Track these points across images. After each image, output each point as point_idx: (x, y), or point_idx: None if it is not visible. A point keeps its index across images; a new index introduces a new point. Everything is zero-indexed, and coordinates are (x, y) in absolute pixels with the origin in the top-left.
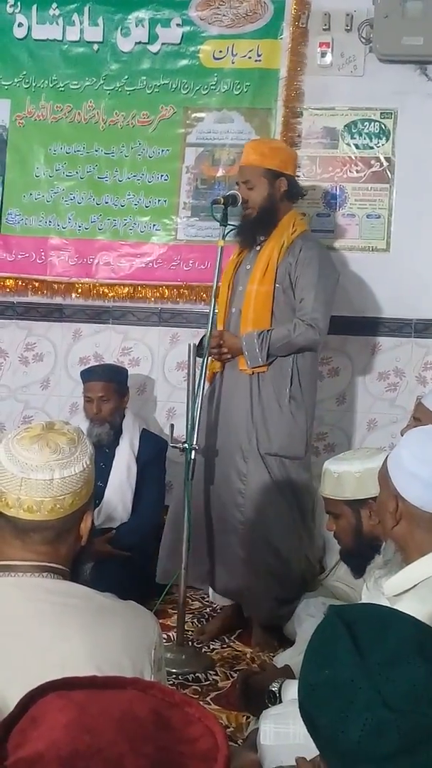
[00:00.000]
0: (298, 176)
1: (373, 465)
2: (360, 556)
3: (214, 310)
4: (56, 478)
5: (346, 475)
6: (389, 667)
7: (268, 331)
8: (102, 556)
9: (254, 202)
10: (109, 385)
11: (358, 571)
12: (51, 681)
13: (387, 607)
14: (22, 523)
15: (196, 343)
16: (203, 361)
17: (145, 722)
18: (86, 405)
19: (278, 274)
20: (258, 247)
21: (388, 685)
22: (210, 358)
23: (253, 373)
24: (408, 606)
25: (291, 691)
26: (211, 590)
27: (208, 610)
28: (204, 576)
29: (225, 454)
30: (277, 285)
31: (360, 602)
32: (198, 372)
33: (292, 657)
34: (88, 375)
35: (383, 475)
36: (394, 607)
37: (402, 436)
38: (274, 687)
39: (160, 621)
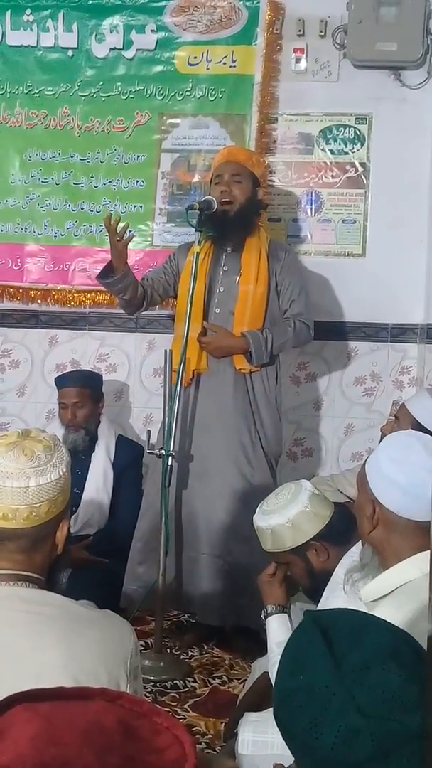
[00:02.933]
0: (272, 182)
1: (299, 508)
2: (319, 590)
3: (189, 312)
4: (32, 485)
5: (278, 528)
6: (364, 673)
7: (267, 330)
8: (79, 563)
9: (236, 197)
10: (83, 391)
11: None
12: (18, 693)
13: (363, 612)
14: None
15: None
16: (180, 367)
17: (112, 733)
18: (61, 411)
19: (267, 276)
20: (229, 249)
21: (363, 691)
22: (184, 361)
23: (250, 372)
24: (385, 612)
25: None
26: None
27: (186, 616)
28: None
29: (220, 457)
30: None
31: (336, 608)
32: (175, 377)
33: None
34: (62, 381)
35: (361, 479)
36: (372, 612)
37: (382, 433)
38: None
39: (138, 628)
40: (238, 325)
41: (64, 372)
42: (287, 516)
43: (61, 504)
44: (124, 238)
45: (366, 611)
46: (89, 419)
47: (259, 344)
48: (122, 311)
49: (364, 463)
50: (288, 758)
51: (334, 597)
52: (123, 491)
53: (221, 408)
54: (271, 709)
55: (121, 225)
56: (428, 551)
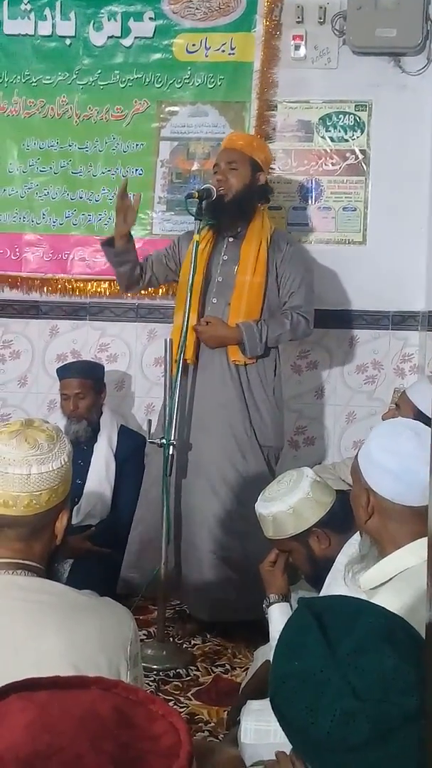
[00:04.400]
0: (273, 170)
1: (300, 495)
2: (322, 578)
3: (189, 302)
4: (33, 473)
5: (280, 515)
6: (358, 657)
7: (263, 321)
8: (82, 553)
9: (231, 184)
10: (85, 382)
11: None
12: (14, 682)
13: (356, 598)
14: None
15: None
16: (179, 355)
17: (107, 720)
18: (63, 402)
19: (266, 266)
20: (231, 238)
21: (358, 674)
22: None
23: (245, 364)
24: (384, 599)
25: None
26: None
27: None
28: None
29: (214, 448)
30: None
31: (330, 594)
32: (175, 364)
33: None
34: (63, 372)
35: (354, 470)
36: (371, 600)
37: (383, 420)
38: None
39: (141, 617)
40: (234, 316)
41: (66, 362)
42: (289, 503)
43: (61, 494)
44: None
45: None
46: (91, 410)
47: (252, 335)
48: (123, 301)
49: (357, 455)
50: (289, 746)
51: (336, 586)
52: (125, 481)
53: (216, 399)
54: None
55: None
56: (426, 538)
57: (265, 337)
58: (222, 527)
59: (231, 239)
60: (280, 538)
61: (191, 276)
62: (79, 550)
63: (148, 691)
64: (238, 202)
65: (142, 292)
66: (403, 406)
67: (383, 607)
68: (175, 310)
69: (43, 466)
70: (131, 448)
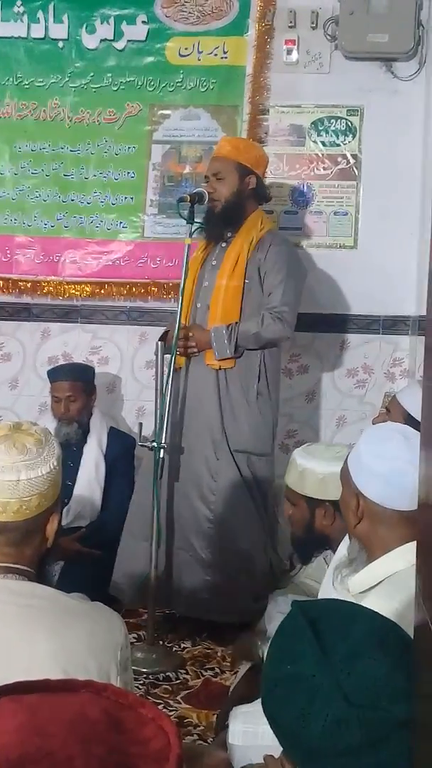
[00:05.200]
0: (266, 176)
1: (336, 469)
2: (306, 546)
3: (181, 306)
4: (23, 479)
5: (309, 473)
6: (351, 662)
7: (236, 323)
8: (72, 555)
9: (221, 194)
10: (76, 385)
11: (304, 558)
12: (3, 685)
13: (350, 602)
14: None
15: (159, 339)
16: (171, 358)
17: (96, 724)
18: (54, 405)
19: (248, 269)
20: (224, 244)
21: (350, 679)
22: (176, 351)
23: (220, 368)
24: (373, 603)
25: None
26: None
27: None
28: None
29: (194, 451)
30: (246, 281)
31: (325, 598)
32: (166, 370)
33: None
34: (54, 375)
35: (344, 474)
36: (360, 604)
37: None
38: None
39: (131, 620)
40: (212, 320)
41: (57, 365)
42: (323, 469)
43: (51, 497)
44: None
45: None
46: (82, 412)
47: (220, 337)
48: (114, 303)
49: (346, 459)
50: (278, 748)
51: (326, 594)
52: (115, 483)
53: (196, 403)
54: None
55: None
56: (415, 542)
57: (234, 339)
58: (199, 529)
59: (223, 245)
60: (295, 491)
61: (182, 281)
62: (69, 551)
63: (137, 695)
64: (227, 211)
65: (133, 293)
66: (393, 411)
67: (378, 613)
68: None
69: (32, 472)
70: (121, 450)
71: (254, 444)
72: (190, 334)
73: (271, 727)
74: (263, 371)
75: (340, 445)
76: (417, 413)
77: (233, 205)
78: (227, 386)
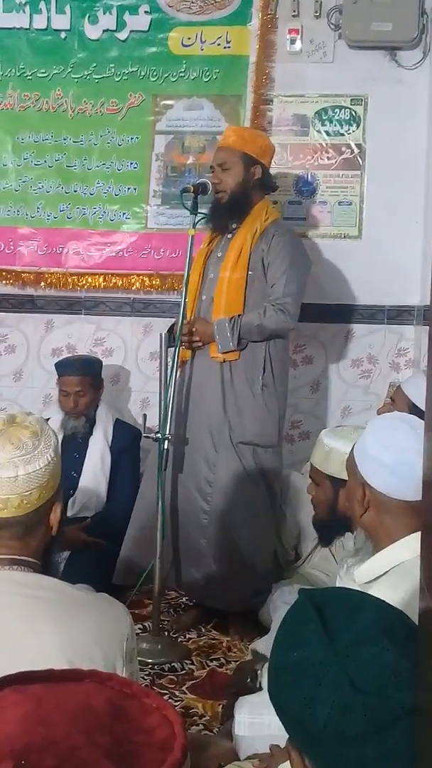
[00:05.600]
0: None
1: None
2: (329, 528)
3: (185, 299)
4: (21, 474)
5: (335, 453)
6: (357, 649)
7: (239, 316)
8: (77, 545)
9: (226, 185)
10: (85, 379)
11: (326, 541)
12: (8, 675)
13: (358, 591)
14: None
15: (166, 332)
16: (175, 350)
17: (101, 713)
18: (62, 398)
19: (251, 261)
20: (229, 235)
21: (356, 666)
22: (181, 346)
23: (224, 361)
24: (379, 592)
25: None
26: None
27: (183, 599)
28: (170, 575)
29: (195, 443)
30: (250, 272)
31: (331, 586)
32: (170, 361)
33: (267, 645)
34: (64, 369)
35: (351, 464)
36: None
37: (378, 415)
38: (258, 667)
39: (136, 611)
40: (216, 312)
41: (65, 357)
42: (350, 449)
43: (51, 488)
44: None
45: None
46: (90, 406)
47: (223, 330)
48: (118, 295)
49: (352, 449)
50: (284, 739)
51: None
52: (120, 474)
53: (199, 395)
54: (265, 690)
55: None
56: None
57: (237, 331)
58: (197, 521)
59: (228, 236)
60: (320, 470)
61: (185, 273)
62: (74, 541)
63: (141, 685)
64: (233, 201)
65: (137, 284)
66: (398, 401)
67: (384, 601)
68: None
69: (29, 466)
70: (127, 441)
71: (259, 436)
72: (194, 328)
73: (277, 714)
74: (268, 363)
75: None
76: (421, 403)
77: (239, 195)
78: (232, 378)
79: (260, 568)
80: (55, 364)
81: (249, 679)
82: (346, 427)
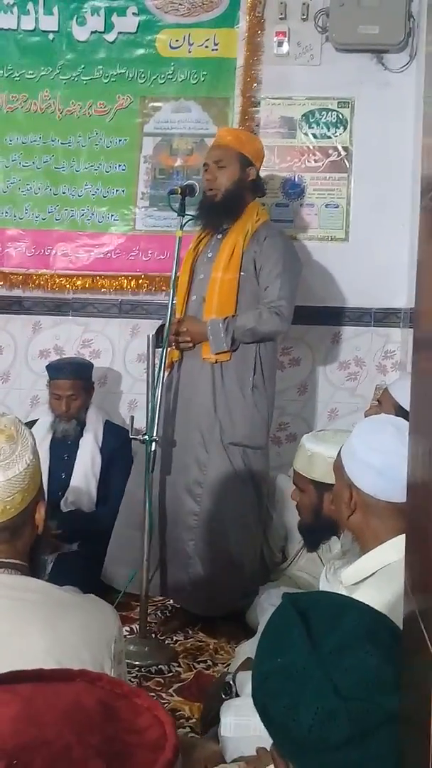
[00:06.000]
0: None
1: None
2: (315, 532)
3: (173, 300)
4: (1, 481)
5: (318, 457)
6: (341, 655)
7: (232, 316)
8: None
9: (221, 183)
10: (77, 383)
11: (312, 545)
12: None
13: (342, 595)
14: None
15: (154, 333)
16: (162, 352)
17: (92, 713)
18: (54, 402)
19: (243, 262)
20: (219, 236)
21: (340, 672)
22: (169, 346)
23: (216, 362)
24: (365, 594)
25: (249, 684)
26: None
27: (170, 601)
28: (156, 581)
29: (184, 444)
30: (242, 273)
31: (315, 590)
32: (158, 363)
33: (253, 648)
34: (56, 372)
35: (338, 466)
36: (352, 596)
37: (366, 418)
38: (229, 678)
39: (123, 613)
40: (207, 313)
41: (57, 360)
42: (332, 453)
43: (33, 490)
44: None
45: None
46: (81, 409)
47: (217, 331)
48: (106, 297)
49: (339, 451)
50: (269, 740)
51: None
52: (114, 475)
53: (189, 396)
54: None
55: (102, 209)
56: None
57: (231, 332)
58: (185, 522)
59: (220, 237)
60: (303, 475)
61: (172, 274)
62: (57, 546)
63: (132, 685)
64: (227, 200)
65: (125, 285)
66: (385, 403)
67: (368, 605)
68: None
69: (9, 472)
70: (117, 443)
71: (249, 437)
72: (184, 328)
73: (261, 719)
74: (259, 364)
75: (350, 431)
76: (408, 405)
77: (233, 194)
78: (223, 379)
79: (248, 569)
80: (47, 367)
81: (223, 694)
82: (327, 431)
